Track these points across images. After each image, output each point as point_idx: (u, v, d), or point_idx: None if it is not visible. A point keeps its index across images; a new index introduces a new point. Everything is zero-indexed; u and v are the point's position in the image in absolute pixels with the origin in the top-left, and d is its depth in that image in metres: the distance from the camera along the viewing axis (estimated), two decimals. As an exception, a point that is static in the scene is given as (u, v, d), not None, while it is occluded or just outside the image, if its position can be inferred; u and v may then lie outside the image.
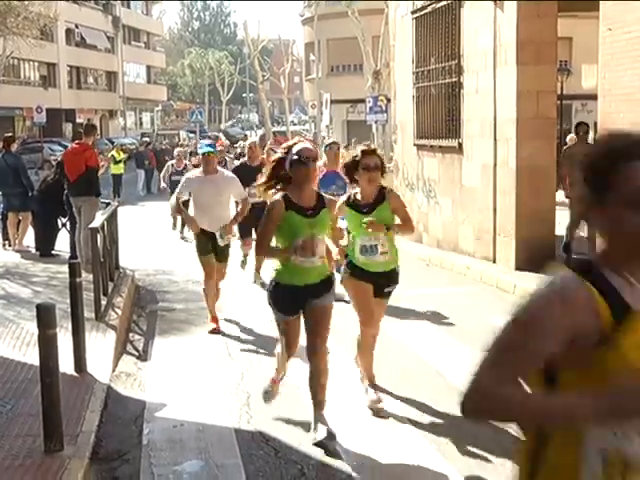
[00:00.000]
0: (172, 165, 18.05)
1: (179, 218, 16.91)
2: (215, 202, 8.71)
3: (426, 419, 6.05)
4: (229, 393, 6.84)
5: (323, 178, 9.95)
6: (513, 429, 5.64)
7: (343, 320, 6.95)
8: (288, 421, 6.10)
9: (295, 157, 5.47)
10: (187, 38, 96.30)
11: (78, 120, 56.39)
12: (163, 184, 18.16)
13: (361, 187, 6.32)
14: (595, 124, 11.12)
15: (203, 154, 9.00)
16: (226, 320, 9.44)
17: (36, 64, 55.09)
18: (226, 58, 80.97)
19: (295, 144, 5.57)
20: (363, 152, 6.27)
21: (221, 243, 8.80)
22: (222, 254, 9.02)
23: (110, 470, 5.32)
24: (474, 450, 5.40)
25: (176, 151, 19.44)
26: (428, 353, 7.83)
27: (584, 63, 30.01)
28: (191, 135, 51.42)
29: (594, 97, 10.29)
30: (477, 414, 2.11)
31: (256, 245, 5.63)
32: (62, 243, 13.38)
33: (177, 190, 9.14)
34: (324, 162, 10.45)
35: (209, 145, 9.43)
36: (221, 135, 58.74)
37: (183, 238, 16.70)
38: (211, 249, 8.89)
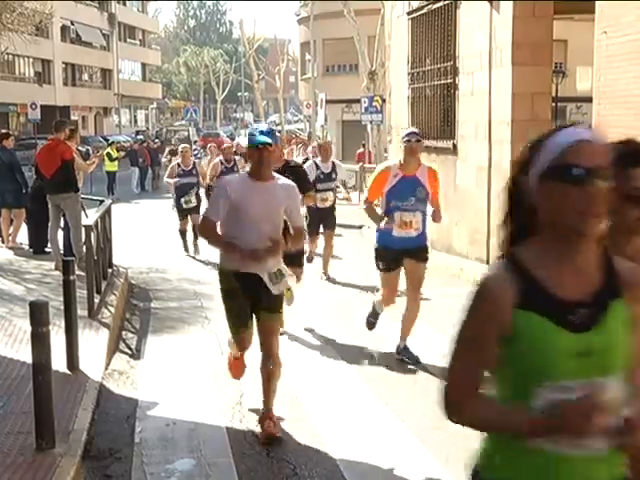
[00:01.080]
0: (178, 165, 14.49)
1: (189, 238, 14.65)
2: (267, 226, 5.53)
3: (420, 423, 6.06)
4: (221, 392, 6.84)
5: (395, 187, 7.32)
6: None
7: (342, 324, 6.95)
8: (280, 420, 6.09)
9: (557, 165, 2.17)
10: (182, 36, 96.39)
11: (73, 117, 56.28)
12: (169, 179, 14.78)
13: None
14: (590, 127, 11.15)
15: (256, 146, 5.50)
16: (219, 319, 9.42)
17: (31, 60, 54.97)
18: (221, 56, 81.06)
19: (556, 130, 2.36)
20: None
21: (275, 291, 5.66)
22: (271, 303, 5.74)
23: (102, 468, 5.31)
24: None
25: (181, 147, 15.46)
26: (421, 355, 7.82)
27: (579, 65, 30.02)
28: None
29: (589, 100, 10.30)
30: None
31: (449, 384, 2.29)
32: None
33: (206, 209, 6.18)
34: (400, 161, 7.46)
35: (266, 133, 5.62)
36: (221, 133, 58.62)
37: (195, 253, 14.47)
38: (250, 313, 5.75)
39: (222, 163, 13.54)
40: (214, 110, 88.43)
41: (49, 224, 12.06)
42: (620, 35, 8.96)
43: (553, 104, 15.94)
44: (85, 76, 65.64)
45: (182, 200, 14.28)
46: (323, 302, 10.33)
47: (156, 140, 38.56)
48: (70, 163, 11.70)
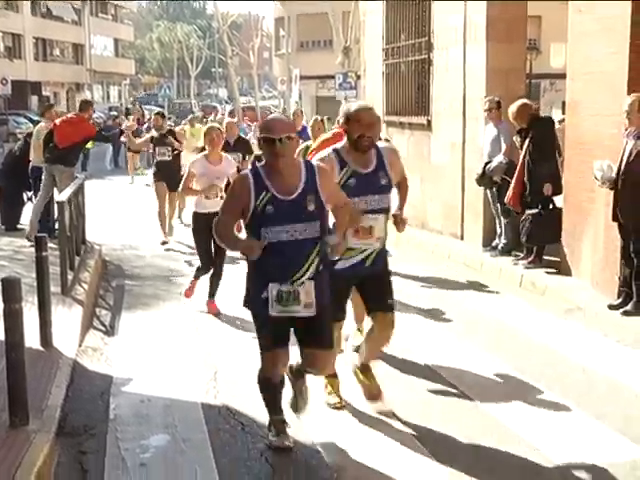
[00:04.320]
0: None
1: None
2: None
3: (405, 406, 6.07)
4: (196, 368, 6.84)
5: None
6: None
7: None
8: (255, 396, 6.09)
9: None
10: (155, 11, 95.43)
11: (44, 92, 55.72)
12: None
13: None
14: (563, 103, 11.19)
15: None
16: (195, 296, 9.40)
17: (0, 35, 54.23)
18: (195, 32, 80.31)
19: None
20: None
21: None
22: None
23: (76, 444, 5.30)
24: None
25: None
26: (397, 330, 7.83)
27: (553, 42, 30.11)
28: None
29: (563, 76, 10.33)
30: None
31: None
32: (28, 217, 13.24)
33: None
34: None
35: None
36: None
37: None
38: None
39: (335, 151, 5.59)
40: (188, 86, 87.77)
41: (39, 194, 12.26)
42: (594, 11, 8.98)
43: (527, 80, 15.97)
44: (57, 51, 64.86)
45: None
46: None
47: (129, 117, 38.03)
48: (85, 143, 12.59)
